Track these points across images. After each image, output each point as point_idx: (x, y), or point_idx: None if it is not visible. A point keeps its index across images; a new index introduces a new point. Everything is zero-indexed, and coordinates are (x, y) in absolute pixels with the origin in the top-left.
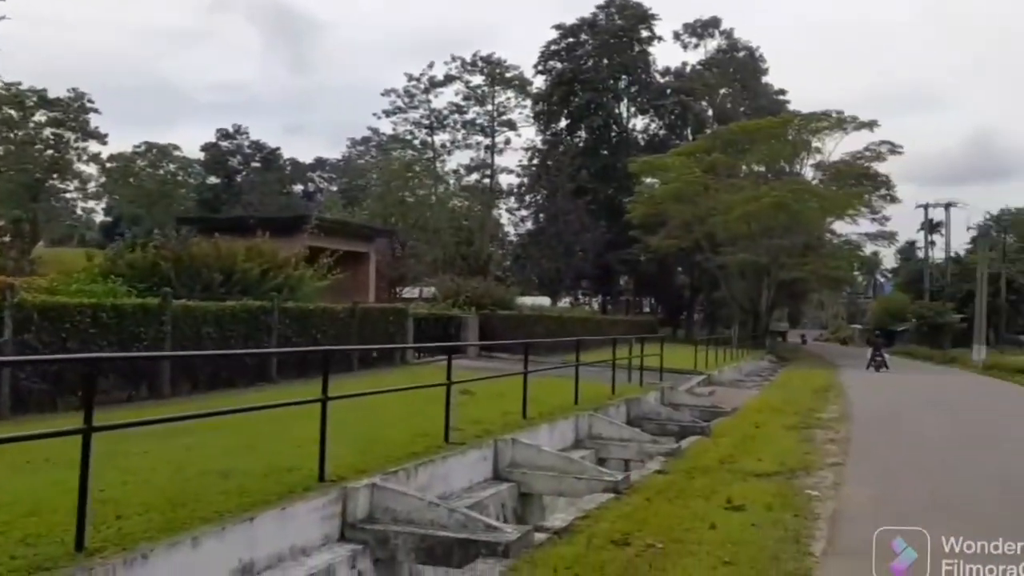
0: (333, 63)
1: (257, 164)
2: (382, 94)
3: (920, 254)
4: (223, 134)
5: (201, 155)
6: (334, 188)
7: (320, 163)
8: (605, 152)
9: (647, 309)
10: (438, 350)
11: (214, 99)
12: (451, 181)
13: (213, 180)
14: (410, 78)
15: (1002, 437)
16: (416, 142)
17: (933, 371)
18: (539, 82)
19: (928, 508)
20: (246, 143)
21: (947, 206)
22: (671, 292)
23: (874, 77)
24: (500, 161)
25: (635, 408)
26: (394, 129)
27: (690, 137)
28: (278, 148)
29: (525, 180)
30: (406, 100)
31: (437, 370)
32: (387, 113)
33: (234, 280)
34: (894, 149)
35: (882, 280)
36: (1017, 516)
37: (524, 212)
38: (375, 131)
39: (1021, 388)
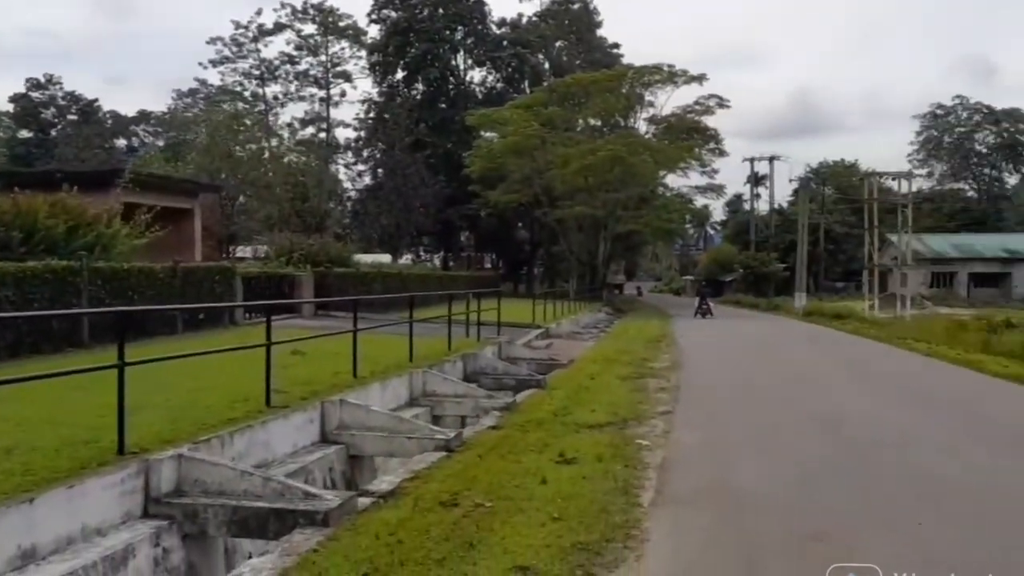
0: (156, 8)
1: (74, 117)
2: (207, 42)
3: (747, 207)
4: (34, 84)
5: (10, 107)
6: (160, 143)
7: (144, 116)
8: (443, 105)
9: (489, 265)
10: (263, 308)
11: (24, 45)
12: (285, 135)
13: (25, 134)
14: (237, 26)
15: (815, 377)
16: (247, 94)
17: (758, 318)
18: (374, 31)
19: (749, 452)
20: (60, 94)
21: (771, 160)
22: (512, 247)
23: (704, 35)
24: (337, 114)
25: (472, 363)
26: (222, 80)
27: (527, 90)
28: (96, 100)
29: (362, 134)
30: (234, 49)
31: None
32: (213, 63)
33: (36, 239)
34: (722, 103)
35: (712, 232)
36: (833, 453)
37: (362, 167)
38: (203, 82)
39: (835, 332)
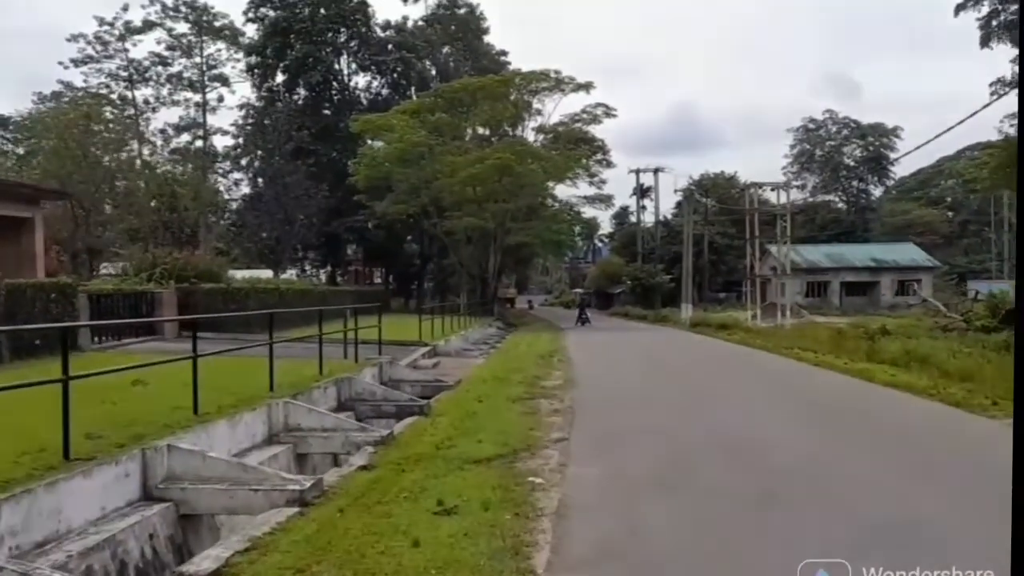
0: (16, 2)
1: None
2: (68, 40)
3: (633, 219)
4: None
5: None
6: (20, 150)
7: (2, 121)
8: (327, 112)
9: (379, 280)
10: (115, 331)
11: None
12: (158, 142)
13: None
14: (101, 22)
15: (712, 393)
16: (114, 96)
17: (647, 330)
18: (251, 31)
19: (656, 489)
20: None
21: (656, 171)
22: (402, 261)
23: (586, 49)
24: (214, 121)
25: (346, 389)
26: (85, 81)
27: (414, 97)
28: None
29: (240, 141)
30: (99, 48)
31: (120, 356)
32: (76, 63)
33: None
34: (608, 112)
35: (600, 245)
36: (742, 482)
37: (239, 176)
38: (67, 84)
39: (723, 343)
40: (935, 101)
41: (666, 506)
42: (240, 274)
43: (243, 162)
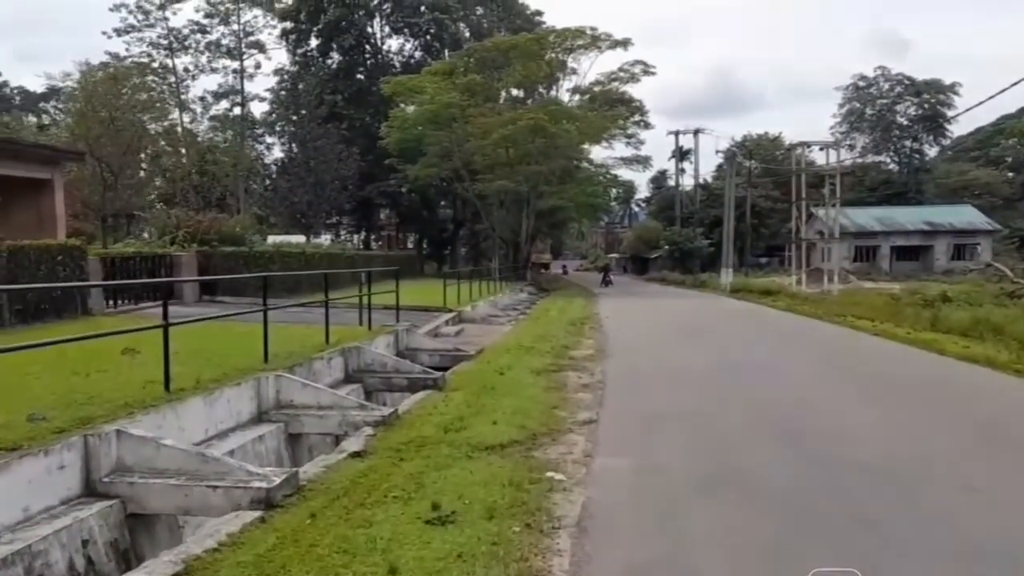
0: None
1: None
2: (110, 9)
3: (671, 183)
4: None
5: None
6: (71, 120)
7: (54, 92)
8: (361, 76)
9: (412, 245)
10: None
11: None
12: (198, 109)
13: None
14: None
15: (762, 367)
16: (155, 65)
17: (685, 296)
18: None
19: (699, 483)
20: None
21: (695, 132)
22: (435, 226)
23: (624, 12)
24: (252, 88)
25: (355, 359)
26: (127, 50)
27: (447, 59)
28: None
29: (276, 107)
30: (140, 17)
31: (129, 320)
32: (118, 32)
33: None
34: (647, 70)
35: (637, 209)
36: (813, 485)
37: (274, 140)
38: (115, 56)
39: (768, 309)
40: (993, 59)
41: (717, 518)
42: (273, 239)
43: (278, 128)
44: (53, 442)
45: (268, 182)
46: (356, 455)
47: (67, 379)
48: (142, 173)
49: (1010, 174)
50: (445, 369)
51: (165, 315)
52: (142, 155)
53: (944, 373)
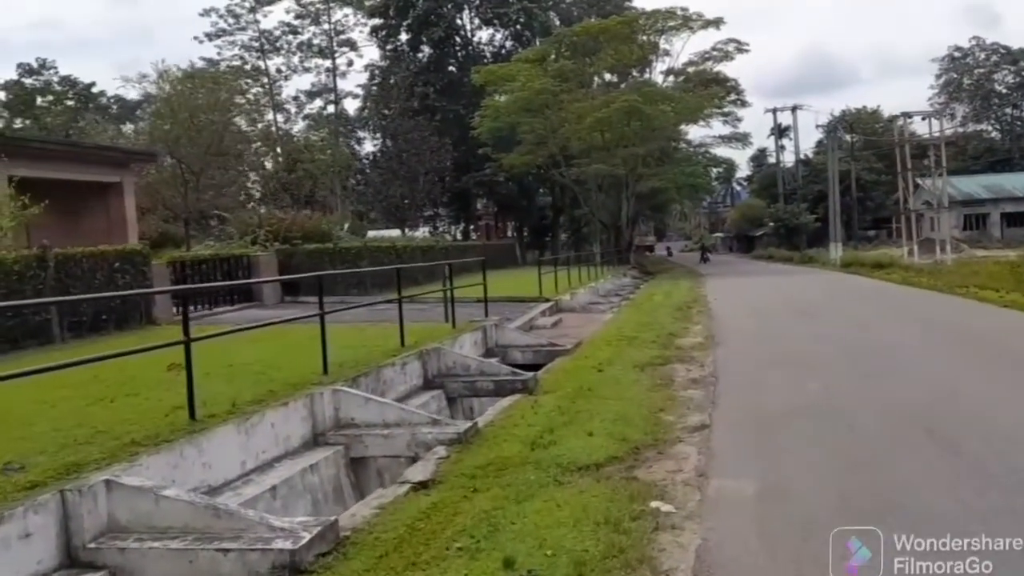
0: None
1: (71, 102)
2: (201, 14)
3: (771, 160)
4: (26, 70)
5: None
6: (167, 126)
7: (149, 99)
8: (452, 68)
9: (512, 233)
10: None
11: (33, 38)
12: (292, 109)
13: (21, 123)
14: None
15: (887, 350)
16: (248, 67)
17: (795, 273)
18: None
19: (847, 514)
20: (56, 79)
21: (793, 109)
22: (534, 214)
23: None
24: (345, 85)
25: (434, 362)
26: (219, 54)
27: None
28: (93, 83)
29: (368, 102)
30: (231, 21)
31: (195, 329)
32: (209, 36)
33: None
34: (741, 47)
35: (739, 188)
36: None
37: (366, 135)
38: (210, 61)
39: (884, 284)
40: None
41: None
42: (372, 235)
43: (371, 123)
44: (13, 505)
45: (360, 177)
46: (420, 486)
47: (86, 407)
48: (229, 173)
49: None
50: (539, 367)
51: (186, 329)
52: (229, 155)
53: None
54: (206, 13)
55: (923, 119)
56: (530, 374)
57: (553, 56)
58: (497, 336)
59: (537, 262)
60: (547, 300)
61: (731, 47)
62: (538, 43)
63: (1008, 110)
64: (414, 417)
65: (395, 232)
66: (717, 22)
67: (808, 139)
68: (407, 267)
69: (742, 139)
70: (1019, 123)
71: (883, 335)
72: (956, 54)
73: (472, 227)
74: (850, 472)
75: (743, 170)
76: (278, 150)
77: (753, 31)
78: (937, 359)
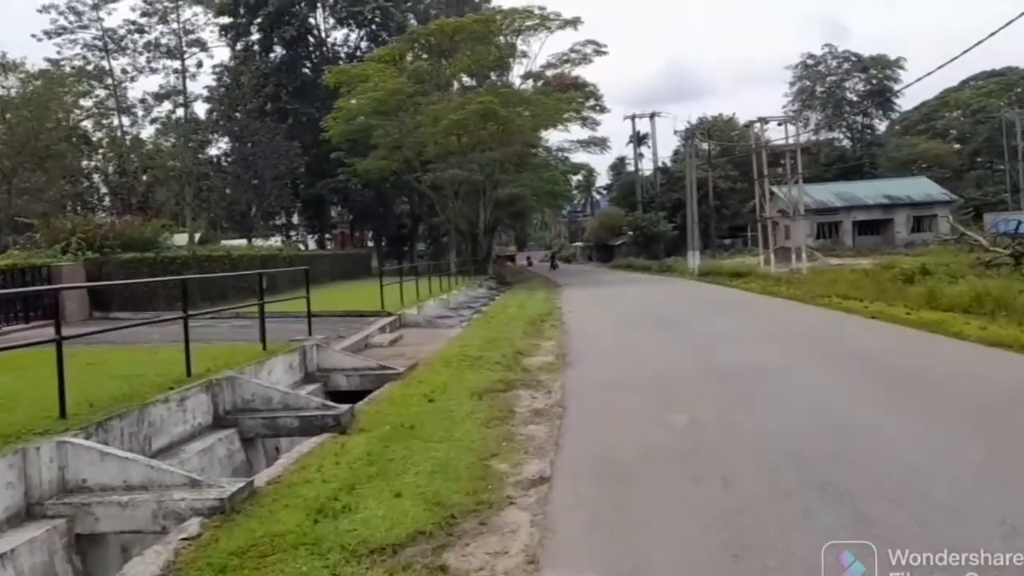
0: None
1: None
2: (39, 11)
3: (630, 168)
4: None
5: None
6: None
7: None
8: (306, 69)
9: (372, 243)
10: None
11: None
12: (139, 112)
13: None
14: None
15: (757, 370)
16: (90, 68)
17: (654, 282)
18: None
19: None
20: None
21: (652, 116)
22: (392, 222)
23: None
24: (196, 88)
25: (230, 394)
26: (59, 53)
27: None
28: None
29: (215, 104)
30: (72, 19)
31: None
32: (48, 35)
33: None
34: (599, 49)
35: (599, 197)
36: None
37: (216, 138)
38: (54, 62)
39: (744, 293)
40: (934, 37)
41: None
42: (224, 244)
43: (222, 125)
44: None
45: (202, 183)
46: None
47: None
48: (47, 176)
49: (957, 145)
50: (366, 394)
51: None
52: (49, 157)
53: (982, 368)
54: (45, 10)
55: (779, 124)
56: (344, 408)
57: (410, 57)
58: (319, 358)
59: (380, 272)
60: (389, 315)
61: (589, 49)
62: (395, 43)
63: (858, 118)
64: (166, 477)
65: (242, 241)
66: (575, 22)
67: (667, 147)
68: (213, 276)
69: (600, 143)
70: (869, 131)
71: (753, 352)
72: (809, 61)
73: (328, 236)
74: (730, 556)
75: (603, 179)
76: (131, 156)
77: (614, 43)
78: (817, 381)
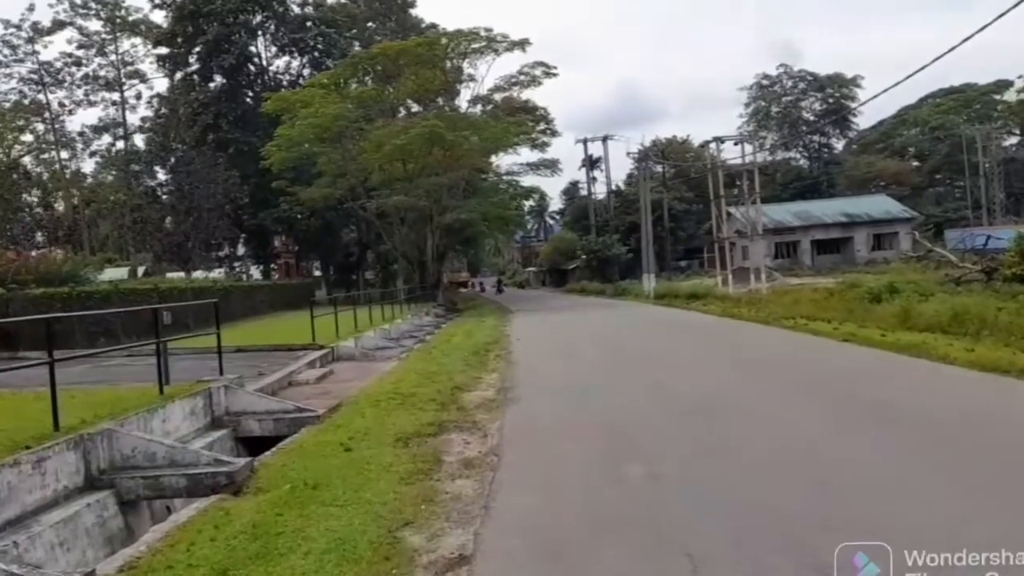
0: None
1: None
2: None
3: (583, 192)
4: None
5: None
6: None
7: None
8: (247, 99)
9: (318, 272)
10: None
11: None
12: (79, 145)
13: None
14: (7, 25)
15: (719, 402)
16: (26, 102)
17: (608, 306)
18: (160, 18)
19: None
20: None
21: (605, 139)
22: (339, 250)
23: (524, 26)
24: (134, 119)
25: (106, 450)
26: None
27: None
28: None
29: (153, 135)
30: (7, 52)
31: None
32: None
33: None
34: (548, 71)
35: (552, 222)
36: None
37: (155, 170)
38: None
39: (703, 317)
40: (893, 55)
41: None
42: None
43: (157, 158)
44: None
45: (136, 215)
46: None
47: None
48: None
49: (916, 163)
50: (281, 439)
51: None
52: None
53: (981, 399)
54: None
55: (735, 144)
56: (243, 462)
57: (354, 84)
58: (228, 401)
59: (310, 303)
60: (321, 348)
61: (539, 71)
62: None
63: (815, 137)
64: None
65: (179, 274)
66: (523, 43)
67: (620, 170)
68: (102, 313)
69: (551, 165)
70: (827, 150)
71: (717, 385)
72: (764, 82)
73: (273, 266)
74: None
75: (556, 203)
76: (71, 190)
77: (565, 69)
78: (799, 423)
